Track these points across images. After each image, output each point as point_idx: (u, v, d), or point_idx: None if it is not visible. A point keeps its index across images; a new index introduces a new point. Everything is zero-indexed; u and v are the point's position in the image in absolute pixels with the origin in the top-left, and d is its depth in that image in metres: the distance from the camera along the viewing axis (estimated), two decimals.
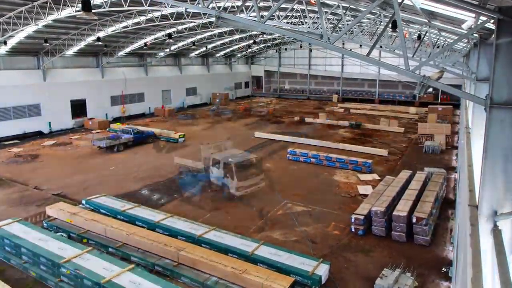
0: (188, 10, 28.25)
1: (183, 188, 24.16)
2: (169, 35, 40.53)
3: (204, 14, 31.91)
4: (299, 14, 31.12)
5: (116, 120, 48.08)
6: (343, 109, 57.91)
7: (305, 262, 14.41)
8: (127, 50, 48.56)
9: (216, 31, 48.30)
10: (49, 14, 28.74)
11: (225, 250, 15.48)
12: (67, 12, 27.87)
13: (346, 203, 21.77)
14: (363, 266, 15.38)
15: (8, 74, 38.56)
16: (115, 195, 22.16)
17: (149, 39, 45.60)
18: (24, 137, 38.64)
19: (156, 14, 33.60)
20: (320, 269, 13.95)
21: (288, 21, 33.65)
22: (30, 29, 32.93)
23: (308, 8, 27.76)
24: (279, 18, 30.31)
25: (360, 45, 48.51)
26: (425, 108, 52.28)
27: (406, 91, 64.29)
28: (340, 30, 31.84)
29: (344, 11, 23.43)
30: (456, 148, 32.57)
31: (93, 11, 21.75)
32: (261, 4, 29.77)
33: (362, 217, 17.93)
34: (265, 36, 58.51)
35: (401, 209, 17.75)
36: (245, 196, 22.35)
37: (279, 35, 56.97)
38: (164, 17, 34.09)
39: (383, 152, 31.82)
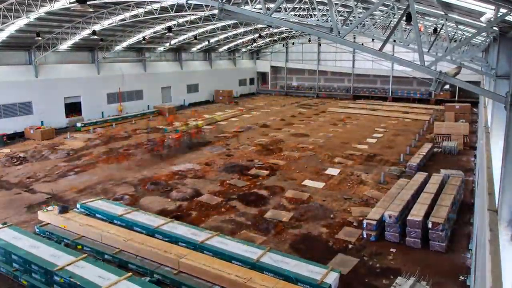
0: (189, 1, 28.34)
1: None
2: (169, 29, 40.61)
3: (207, 6, 31.95)
4: (307, 6, 31.09)
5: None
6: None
7: (313, 270, 14.39)
8: (125, 44, 48.69)
9: (219, 24, 48.35)
10: (42, 6, 28.87)
11: (228, 257, 15.50)
12: (60, 4, 27.98)
13: (357, 207, 21.77)
14: (375, 274, 15.37)
15: None
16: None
17: (147, 32, 45.70)
18: (14, 137, 38.79)
19: (155, 6, 33.66)
20: (329, 278, 13.93)
21: (296, 13, 33.68)
22: (21, 22, 33.00)
23: (317, 0, 27.76)
24: (286, 10, 30.35)
25: (373, 39, 48.61)
26: (442, 106, 52.55)
27: (421, 88, 64.08)
28: (351, 23, 31.77)
29: (356, 2, 23.41)
30: (475, 148, 32.46)
31: (88, 2, 21.90)
32: None
33: (374, 222, 17.92)
34: (271, 29, 58.50)
35: (416, 213, 17.73)
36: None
37: (286, 28, 56.94)
38: (163, 9, 34.15)
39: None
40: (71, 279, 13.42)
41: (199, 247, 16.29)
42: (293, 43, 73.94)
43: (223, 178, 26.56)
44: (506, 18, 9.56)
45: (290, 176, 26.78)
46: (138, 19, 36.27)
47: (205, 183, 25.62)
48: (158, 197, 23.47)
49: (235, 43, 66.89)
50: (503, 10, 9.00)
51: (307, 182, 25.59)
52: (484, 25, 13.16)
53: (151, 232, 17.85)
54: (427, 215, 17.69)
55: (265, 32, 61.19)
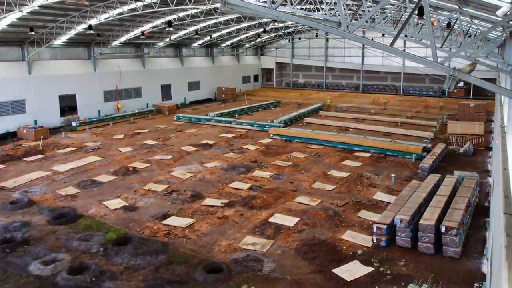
0: None
1: None
2: (169, 23, 40.64)
3: None
4: None
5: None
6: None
7: None
8: (122, 39, 48.76)
9: (222, 18, 48.35)
10: None
11: None
12: None
13: (367, 210, 21.76)
14: (386, 281, 15.36)
15: None
16: None
17: (146, 27, 45.73)
18: (6, 137, 38.82)
19: None
20: None
21: (302, 7, 33.74)
22: (13, 16, 33.05)
23: None
24: (292, 4, 30.36)
25: (383, 34, 48.61)
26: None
27: (434, 85, 64.03)
28: (360, 18, 31.81)
29: None
30: (490, 149, 32.39)
31: None
32: None
33: (385, 227, 17.91)
34: (276, 24, 58.53)
35: (429, 217, 17.68)
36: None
37: (292, 23, 56.96)
38: (163, 3, 34.18)
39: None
40: None
41: None
42: (300, 39, 74.02)
43: (226, 179, 26.63)
44: None
45: (296, 178, 26.80)
46: (136, 13, 36.28)
47: (206, 185, 25.69)
48: (157, 199, 23.57)
49: (238, 38, 66.90)
50: None
51: (314, 185, 25.57)
52: (500, 19, 13.17)
53: None
54: (440, 219, 17.64)
55: (270, 27, 61.18)
